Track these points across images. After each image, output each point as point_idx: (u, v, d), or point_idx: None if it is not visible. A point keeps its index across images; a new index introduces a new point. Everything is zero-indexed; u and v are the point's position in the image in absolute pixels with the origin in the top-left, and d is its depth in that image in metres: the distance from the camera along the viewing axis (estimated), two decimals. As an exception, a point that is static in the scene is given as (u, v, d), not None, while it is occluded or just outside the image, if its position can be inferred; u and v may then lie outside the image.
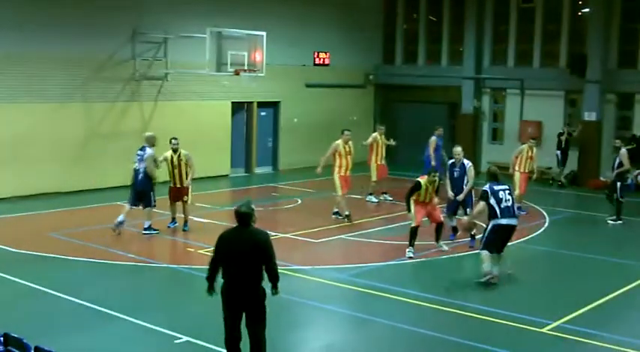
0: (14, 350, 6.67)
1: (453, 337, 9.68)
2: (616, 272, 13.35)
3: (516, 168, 17.86)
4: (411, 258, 13.57)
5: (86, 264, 12.86)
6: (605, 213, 17.69)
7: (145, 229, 14.81)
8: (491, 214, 11.97)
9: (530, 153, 17.91)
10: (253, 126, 24.05)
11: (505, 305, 10.94)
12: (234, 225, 8.06)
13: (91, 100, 19.79)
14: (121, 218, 14.59)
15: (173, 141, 15.10)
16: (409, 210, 13.78)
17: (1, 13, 17.93)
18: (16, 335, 6.76)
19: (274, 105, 24.72)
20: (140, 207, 14.79)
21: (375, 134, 19.48)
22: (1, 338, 6.87)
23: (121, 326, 9.89)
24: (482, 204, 12.07)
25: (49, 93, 18.96)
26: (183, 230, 15.24)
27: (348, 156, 16.68)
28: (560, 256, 14.54)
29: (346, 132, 16.79)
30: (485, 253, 12.01)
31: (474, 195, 14.51)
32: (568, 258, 14.36)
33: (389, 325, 10.19)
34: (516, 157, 17.96)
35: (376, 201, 19.30)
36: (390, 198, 19.32)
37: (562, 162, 23.05)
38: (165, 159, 15.07)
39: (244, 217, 7.95)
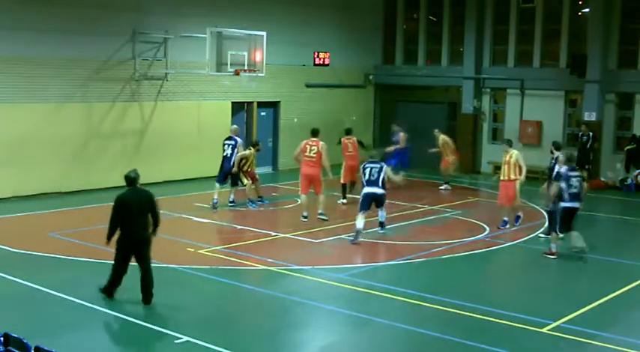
0: (14, 350, 6.67)
1: (453, 337, 9.67)
2: (616, 272, 13.36)
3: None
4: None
5: (86, 264, 12.84)
6: (606, 212, 17.63)
7: (230, 202, 17.84)
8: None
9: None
10: (253, 126, 24.04)
11: (505, 305, 10.94)
12: (127, 188, 10.57)
13: (91, 100, 19.77)
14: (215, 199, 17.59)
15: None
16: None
17: (1, 14, 17.92)
18: (16, 335, 6.76)
19: (274, 105, 24.71)
20: (227, 185, 17.83)
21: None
22: (1, 338, 6.87)
23: (121, 326, 9.88)
24: (556, 185, 13.85)
25: (49, 93, 18.94)
26: (262, 202, 18.44)
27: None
28: (561, 256, 14.53)
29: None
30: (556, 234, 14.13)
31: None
32: (568, 258, 14.35)
33: (389, 325, 10.19)
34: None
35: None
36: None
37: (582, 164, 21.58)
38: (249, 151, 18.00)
39: (135, 180, 10.58)
